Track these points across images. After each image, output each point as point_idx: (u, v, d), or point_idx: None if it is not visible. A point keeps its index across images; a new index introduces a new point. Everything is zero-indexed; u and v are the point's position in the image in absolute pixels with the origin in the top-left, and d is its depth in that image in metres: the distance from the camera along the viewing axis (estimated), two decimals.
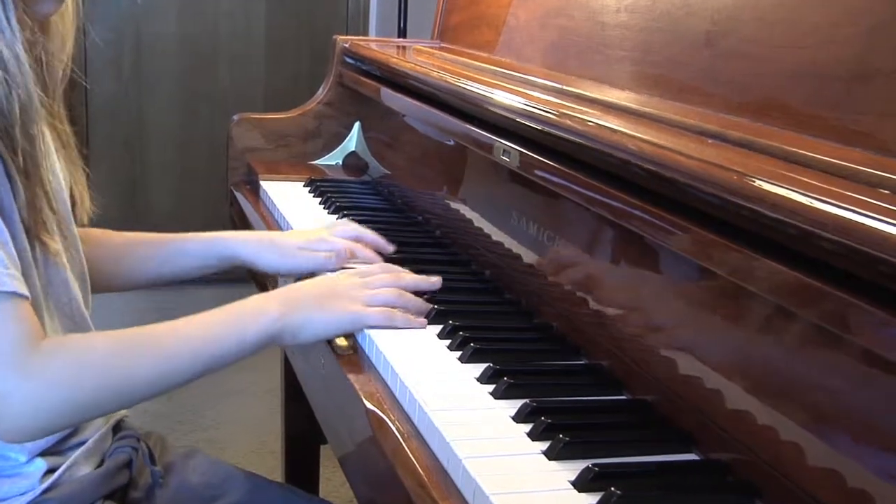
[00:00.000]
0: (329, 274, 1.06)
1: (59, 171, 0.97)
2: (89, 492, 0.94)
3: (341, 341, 0.95)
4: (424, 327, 0.97)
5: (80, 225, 1.04)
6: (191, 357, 0.88)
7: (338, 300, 0.95)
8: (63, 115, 1.01)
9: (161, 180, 3.30)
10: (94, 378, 0.84)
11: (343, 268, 1.10)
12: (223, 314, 0.91)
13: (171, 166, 3.31)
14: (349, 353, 0.93)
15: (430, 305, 0.99)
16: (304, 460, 1.80)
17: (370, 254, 1.14)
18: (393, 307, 0.96)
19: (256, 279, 1.39)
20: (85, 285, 1.00)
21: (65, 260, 0.94)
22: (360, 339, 0.95)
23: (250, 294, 0.97)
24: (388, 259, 1.15)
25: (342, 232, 1.17)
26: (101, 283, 1.10)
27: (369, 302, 0.96)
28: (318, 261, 1.12)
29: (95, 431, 0.99)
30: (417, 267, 1.14)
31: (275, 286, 1.27)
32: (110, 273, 1.14)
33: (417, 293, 1.01)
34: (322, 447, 1.81)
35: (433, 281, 1.04)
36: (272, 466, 2.14)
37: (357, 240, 1.16)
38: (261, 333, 0.91)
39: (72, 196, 1.01)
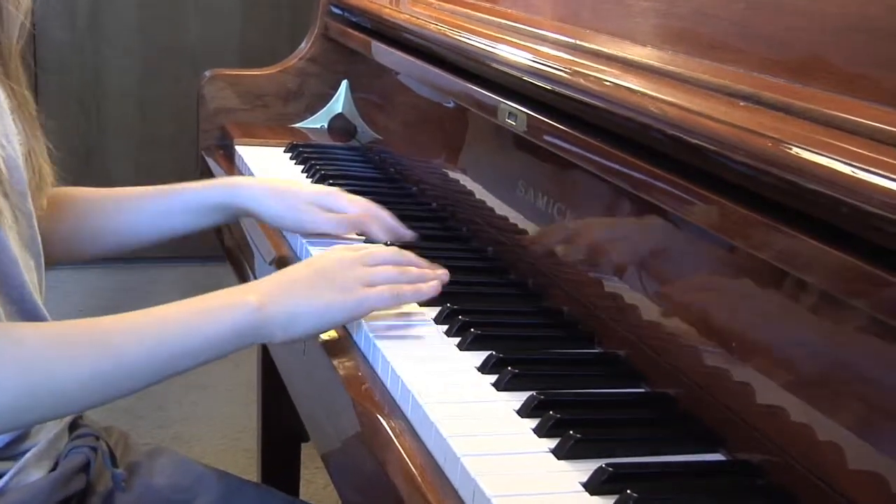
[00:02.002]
0: (316, 252, 1.05)
1: (14, 136, 0.96)
2: (40, 500, 0.92)
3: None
4: (439, 292, 0.95)
5: (38, 203, 1.02)
6: (145, 357, 0.84)
7: (332, 283, 0.91)
8: (21, 77, 0.99)
9: (120, 145, 3.29)
10: (17, 377, 0.79)
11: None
12: (188, 305, 0.87)
13: (132, 129, 3.30)
14: (334, 338, 0.94)
15: (442, 270, 0.98)
16: (283, 459, 1.80)
17: (381, 233, 1.14)
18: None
19: (231, 254, 1.39)
20: (40, 267, 0.99)
21: (11, 222, 0.92)
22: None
23: (222, 275, 0.95)
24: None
25: (357, 200, 1.16)
26: (84, 247, 1.09)
27: (370, 281, 0.93)
28: (325, 222, 1.12)
29: (49, 431, 0.98)
30: (410, 243, 1.14)
31: (251, 263, 1.28)
32: (95, 233, 1.13)
33: None
34: (303, 445, 1.82)
35: (440, 273, 0.99)
36: (246, 466, 2.15)
37: (372, 217, 1.15)
38: (235, 328, 0.86)
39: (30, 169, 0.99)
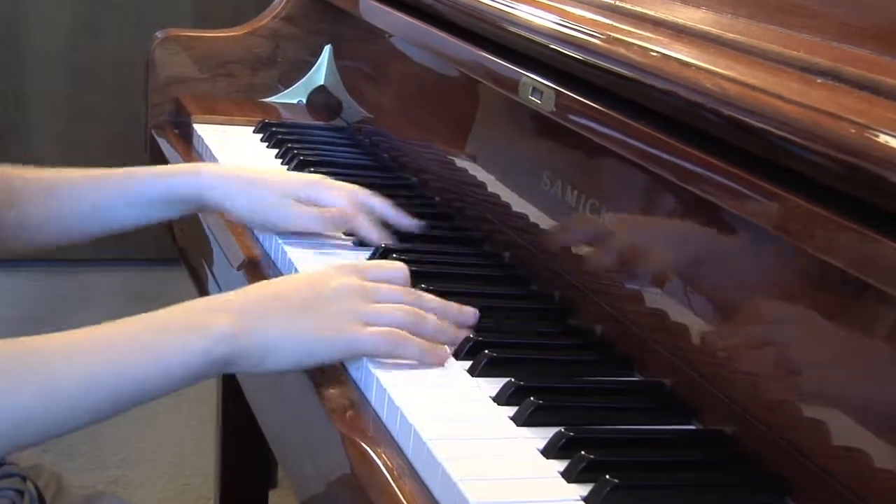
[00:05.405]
0: (295, 254, 1.05)
1: None
2: None
3: None
4: (443, 364, 0.92)
5: None
6: (87, 390, 0.84)
7: (321, 312, 0.89)
8: None
9: (44, 121, 3.27)
10: None
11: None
12: (143, 325, 0.87)
13: (61, 103, 3.29)
14: None
15: (464, 333, 0.95)
16: None
17: (373, 230, 1.14)
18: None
19: (186, 256, 1.40)
20: None
21: None
22: None
23: (171, 282, 0.94)
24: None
25: (344, 189, 1.17)
26: (23, 236, 1.11)
27: (369, 319, 0.90)
28: (303, 219, 1.13)
29: None
30: (409, 246, 1.15)
31: (211, 267, 1.28)
32: (23, 224, 1.14)
33: None
34: (271, 493, 1.83)
35: (468, 313, 0.97)
36: None
37: (362, 206, 1.16)
38: (201, 359, 0.85)
39: None
